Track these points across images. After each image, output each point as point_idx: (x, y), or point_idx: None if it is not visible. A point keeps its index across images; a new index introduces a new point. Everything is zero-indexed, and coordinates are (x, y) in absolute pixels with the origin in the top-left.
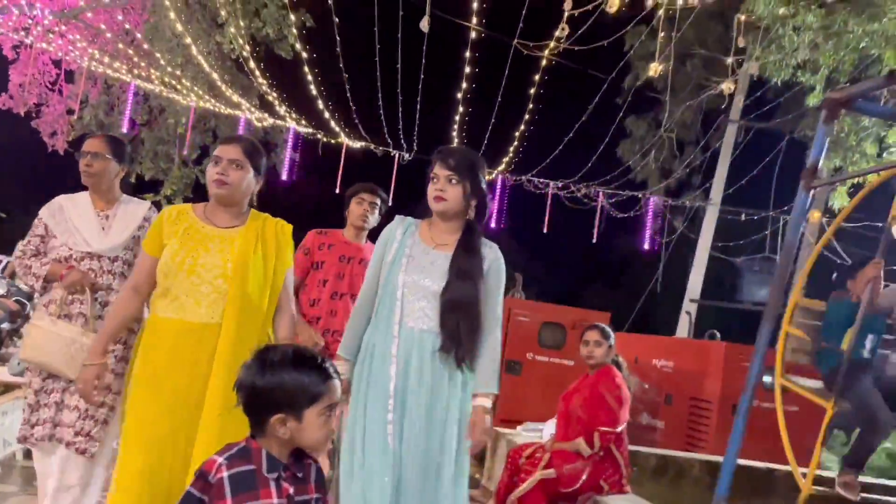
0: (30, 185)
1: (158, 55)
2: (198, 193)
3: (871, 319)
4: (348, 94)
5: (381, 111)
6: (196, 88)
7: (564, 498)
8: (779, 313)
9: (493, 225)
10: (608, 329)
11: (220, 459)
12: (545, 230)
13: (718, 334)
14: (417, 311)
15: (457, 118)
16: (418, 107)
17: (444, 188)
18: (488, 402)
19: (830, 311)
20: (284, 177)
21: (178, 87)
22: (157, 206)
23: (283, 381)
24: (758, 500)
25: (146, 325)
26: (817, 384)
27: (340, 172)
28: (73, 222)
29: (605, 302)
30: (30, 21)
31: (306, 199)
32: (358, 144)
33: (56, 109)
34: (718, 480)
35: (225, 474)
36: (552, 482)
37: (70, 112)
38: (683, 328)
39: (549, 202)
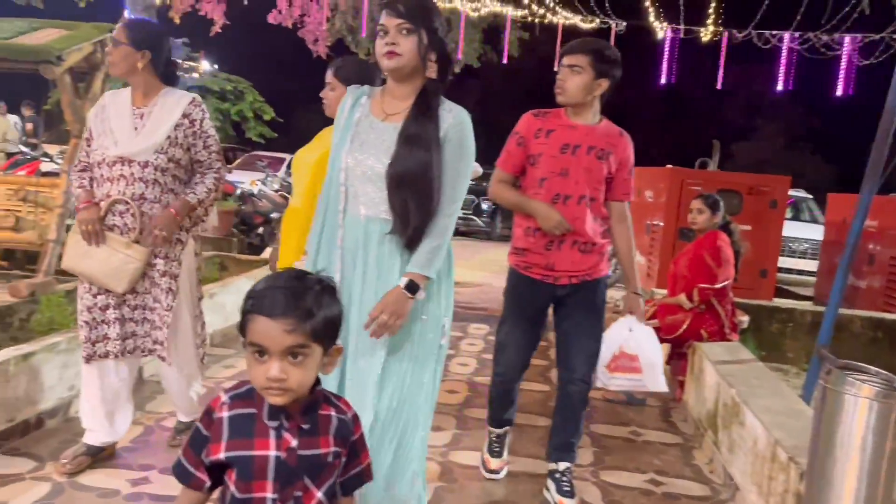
0: (302, 91)
1: None
2: None
3: None
4: None
5: None
6: None
7: (670, 343)
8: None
9: (718, 86)
10: (713, 197)
11: (224, 398)
12: (779, 87)
13: None
14: (362, 196)
15: None
16: None
17: (395, 40)
18: (414, 283)
19: None
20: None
21: None
22: None
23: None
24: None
25: None
26: None
27: (558, 48)
28: (110, 122)
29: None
30: None
31: (524, 79)
32: (571, 21)
33: (316, 18)
34: (820, 330)
35: (225, 415)
36: (654, 331)
37: (327, 20)
38: None
39: (784, 56)
